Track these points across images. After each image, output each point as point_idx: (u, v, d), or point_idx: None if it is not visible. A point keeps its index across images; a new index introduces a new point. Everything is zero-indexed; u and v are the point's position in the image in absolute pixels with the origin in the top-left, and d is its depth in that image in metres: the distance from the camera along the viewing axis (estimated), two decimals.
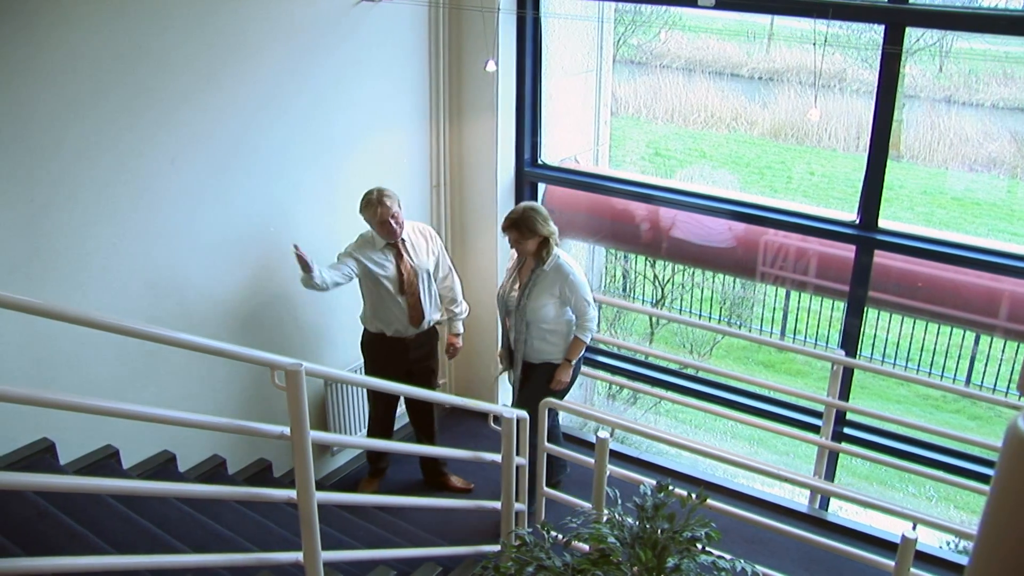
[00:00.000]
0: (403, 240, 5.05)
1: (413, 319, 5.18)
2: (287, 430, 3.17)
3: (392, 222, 4.90)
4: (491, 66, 5.43)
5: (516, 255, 5.15)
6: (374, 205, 4.85)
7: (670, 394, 6.34)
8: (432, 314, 5.29)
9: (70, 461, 4.25)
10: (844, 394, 5.49)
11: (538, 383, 5.13)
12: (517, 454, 4.37)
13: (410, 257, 5.08)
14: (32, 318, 3.32)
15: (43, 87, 3.83)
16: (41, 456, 4.05)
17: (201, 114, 4.44)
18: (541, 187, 6.27)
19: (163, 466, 4.61)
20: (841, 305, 6.03)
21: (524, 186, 6.13)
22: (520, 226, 4.85)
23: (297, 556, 3.32)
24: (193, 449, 4.84)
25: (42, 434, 4.14)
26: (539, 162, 6.16)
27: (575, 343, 5.11)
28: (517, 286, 5.07)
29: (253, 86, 4.67)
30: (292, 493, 3.25)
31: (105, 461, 4.33)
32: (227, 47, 4.50)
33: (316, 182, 5.17)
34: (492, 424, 4.45)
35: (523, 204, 5.04)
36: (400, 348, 5.23)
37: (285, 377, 3.10)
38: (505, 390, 6.37)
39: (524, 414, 4.42)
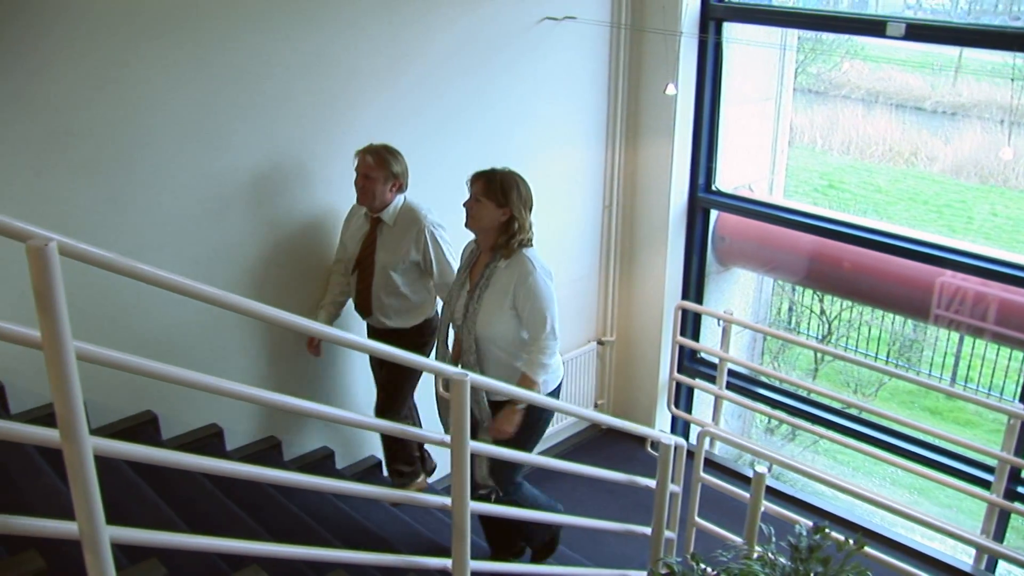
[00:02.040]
0: (380, 220, 4.33)
1: (360, 303, 4.51)
2: (447, 437, 3.24)
3: (364, 182, 4.23)
4: (671, 89, 5.42)
5: (467, 248, 4.06)
6: (358, 154, 4.27)
7: (831, 433, 6.13)
8: (388, 317, 4.48)
9: (172, 436, 4.32)
10: (1021, 450, 5.19)
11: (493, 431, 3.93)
12: (672, 481, 4.33)
13: (380, 241, 4.36)
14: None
15: (238, 89, 4.07)
16: (144, 428, 4.16)
17: (382, 122, 4.60)
18: (713, 214, 6.20)
19: (321, 461, 4.80)
20: (1020, 355, 5.71)
21: (696, 211, 6.07)
22: (491, 181, 3.76)
23: (445, 563, 3.37)
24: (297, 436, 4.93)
25: (145, 407, 4.22)
26: (713, 188, 6.10)
27: (521, 380, 3.80)
28: (466, 290, 3.91)
29: (435, 99, 4.81)
30: (446, 500, 3.30)
31: (210, 440, 4.41)
32: (412, 59, 4.65)
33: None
34: (649, 450, 4.41)
35: (514, 171, 3.88)
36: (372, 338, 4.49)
37: (450, 386, 3.17)
38: (664, 413, 6.32)
39: (682, 441, 4.27)
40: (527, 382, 3.78)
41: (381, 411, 4.66)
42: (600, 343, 5.89)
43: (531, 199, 3.81)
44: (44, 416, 3.66)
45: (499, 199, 3.72)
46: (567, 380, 6.06)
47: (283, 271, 4.46)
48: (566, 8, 5.26)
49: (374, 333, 4.53)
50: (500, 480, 4.01)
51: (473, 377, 2.92)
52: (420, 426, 4.77)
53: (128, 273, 2.07)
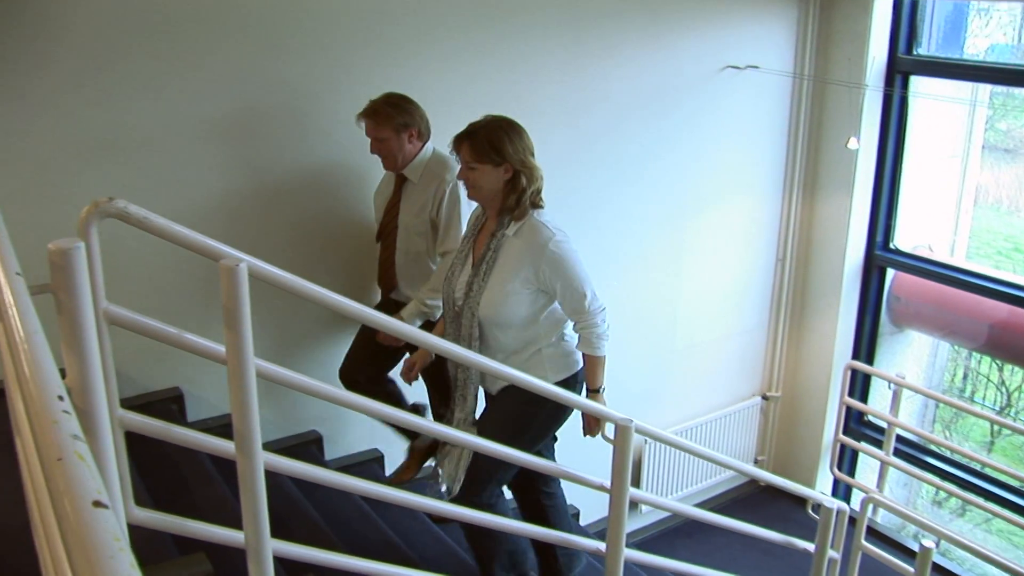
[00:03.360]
0: (405, 178, 3.77)
1: (382, 275, 3.94)
2: (607, 482, 3.22)
3: (377, 147, 3.70)
4: (853, 143, 5.30)
5: (473, 214, 3.42)
6: (358, 120, 3.69)
7: (1006, 512, 5.80)
8: (414, 291, 3.84)
9: (335, 457, 4.41)
10: None
11: (501, 425, 3.18)
12: (831, 547, 4.17)
13: (403, 202, 3.80)
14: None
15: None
16: (307, 447, 4.26)
17: (558, 163, 4.63)
18: (890, 272, 5.99)
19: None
20: None
21: (873, 269, 5.89)
22: (476, 140, 3.08)
23: None
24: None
25: (310, 427, 4.33)
26: (891, 246, 5.90)
27: (590, 364, 3.27)
28: (469, 264, 3.25)
29: (613, 141, 4.84)
30: (600, 545, 3.27)
31: (370, 464, 4.48)
32: (593, 102, 4.70)
33: (662, 242, 5.25)
34: (809, 512, 4.27)
35: (497, 116, 3.20)
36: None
37: (615, 430, 3.15)
38: (826, 475, 6.11)
39: (844, 506, 4.03)
40: (592, 362, 3.26)
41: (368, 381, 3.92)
42: (765, 398, 5.76)
43: (530, 143, 3.14)
44: (219, 427, 3.82)
45: (493, 158, 3.07)
46: (727, 432, 5.96)
47: None
48: (748, 57, 5.22)
49: (396, 308, 3.75)
50: (474, 480, 3.20)
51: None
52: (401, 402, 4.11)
53: (308, 296, 2.17)
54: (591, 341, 3.19)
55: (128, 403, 1.92)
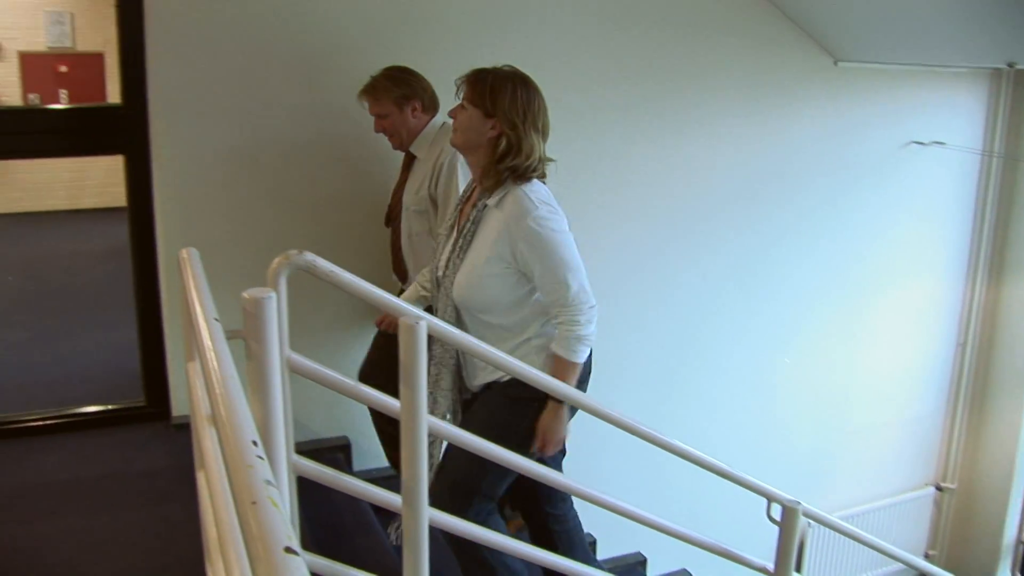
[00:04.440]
0: (414, 156, 3.41)
1: (394, 263, 3.58)
2: (769, 565, 3.12)
3: (379, 125, 3.37)
4: None
5: (469, 182, 2.94)
6: (359, 100, 3.39)
7: None
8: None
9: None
10: None
11: (484, 427, 2.41)
12: None
13: (409, 180, 3.42)
14: None
15: (603, 195, 4.24)
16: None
17: (731, 232, 4.62)
18: None
19: (633, 568, 4.74)
20: None
21: None
22: (480, 81, 2.65)
23: None
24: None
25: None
26: None
27: (558, 367, 2.62)
28: (453, 236, 2.79)
29: (790, 214, 4.76)
30: None
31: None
32: (772, 174, 4.64)
33: (838, 320, 5.09)
34: None
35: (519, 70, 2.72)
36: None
37: (781, 512, 3.06)
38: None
39: None
40: (561, 366, 2.61)
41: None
42: (939, 488, 5.45)
43: (540, 114, 2.66)
44: (383, 479, 3.90)
45: (486, 105, 2.61)
46: (896, 522, 5.68)
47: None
48: (934, 133, 5.05)
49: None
50: (455, 493, 2.65)
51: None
52: None
53: (488, 360, 2.20)
54: (567, 342, 2.61)
55: (298, 448, 1.98)
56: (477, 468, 2.54)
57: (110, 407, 3.80)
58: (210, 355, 1.24)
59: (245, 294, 1.47)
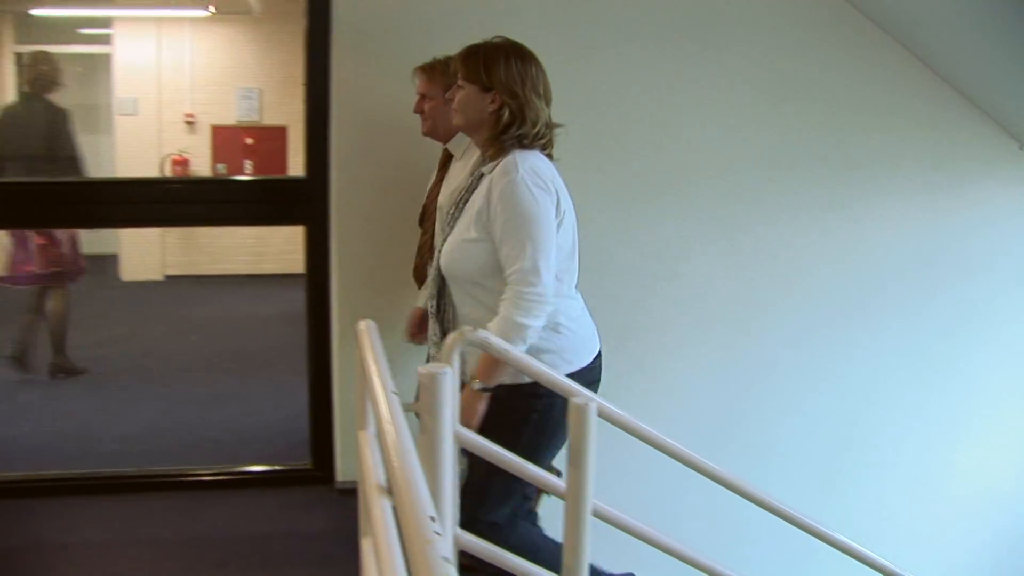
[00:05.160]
0: (451, 154, 3.20)
1: (417, 266, 3.34)
2: None
3: (419, 106, 3.15)
4: None
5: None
6: (419, 68, 3.21)
7: None
8: None
9: None
10: None
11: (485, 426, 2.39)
12: None
13: (445, 180, 3.18)
14: None
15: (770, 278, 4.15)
16: None
17: (908, 317, 4.42)
18: None
19: None
20: None
21: None
22: (473, 55, 2.58)
23: None
24: None
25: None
26: None
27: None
28: (452, 210, 2.67)
29: (966, 300, 4.50)
30: None
31: None
32: (949, 258, 4.42)
33: (1017, 410, 4.79)
34: None
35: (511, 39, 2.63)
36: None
37: None
38: None
39: None
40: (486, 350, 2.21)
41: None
42: None
43: (539, 79, 2.55)
44: None
45: (482, 79, 2.53)
46: None
47: None
48: None
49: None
50: (477, 501, 2.46)
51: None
52: None
53: (661, 447, 2.16)
54: (502, 323, 2.35)
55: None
56: (482, 472, 2.40)
57: (277, 468, 3.94)
58: (388, 428, 1.26)
59: (422, 369, 1.49)
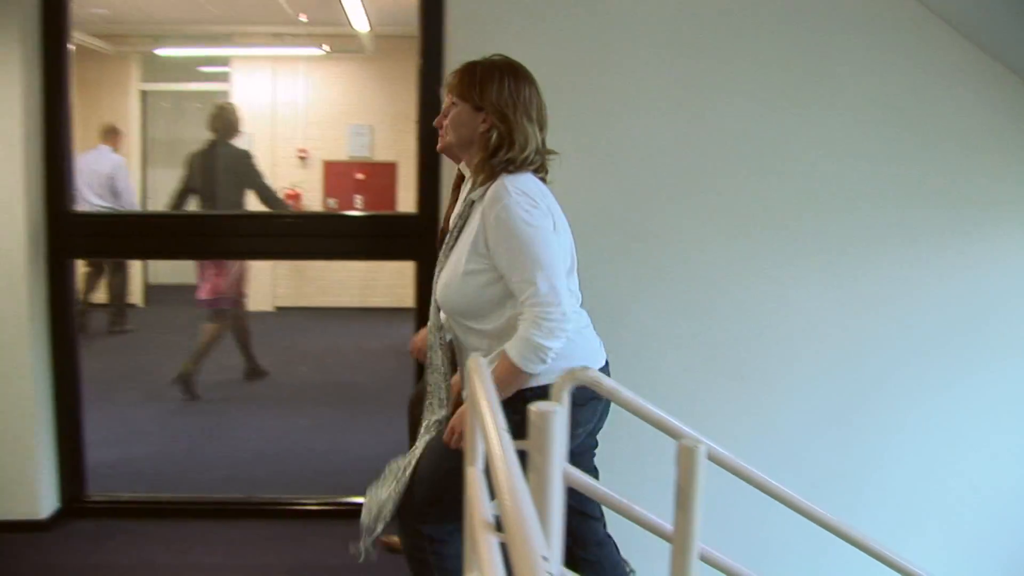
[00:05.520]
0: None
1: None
2: None
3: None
4: None
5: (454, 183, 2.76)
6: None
7: None
8: None
9: None
10: None
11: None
12: None
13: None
14: None
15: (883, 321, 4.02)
16: None
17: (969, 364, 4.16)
18: None
19: None
20: None
21: None
22: (468, 73, 2.51)
23: None
24: None
25: None
26: None
27: (503, 366, 2.31)
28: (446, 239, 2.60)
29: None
30: None
31: None
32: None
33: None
34: None
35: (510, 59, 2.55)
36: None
37: None
38: None
39: None
40: (506, 368, 2.29)
41: None
42: None
43: (532, 103, 2.48)
44: None
45: (474, 98, 2.46)
46: None
47: None
48: None
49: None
50: (412, 501, 2.45)
51: None
52: None
53: (769, 492, 2.11)
54: (521, 344, 2.28)
55: None
56: (434, 480, 2.41)
57: None
58: (500, 464, 1.25)
59: (532, 407, 1.49)
